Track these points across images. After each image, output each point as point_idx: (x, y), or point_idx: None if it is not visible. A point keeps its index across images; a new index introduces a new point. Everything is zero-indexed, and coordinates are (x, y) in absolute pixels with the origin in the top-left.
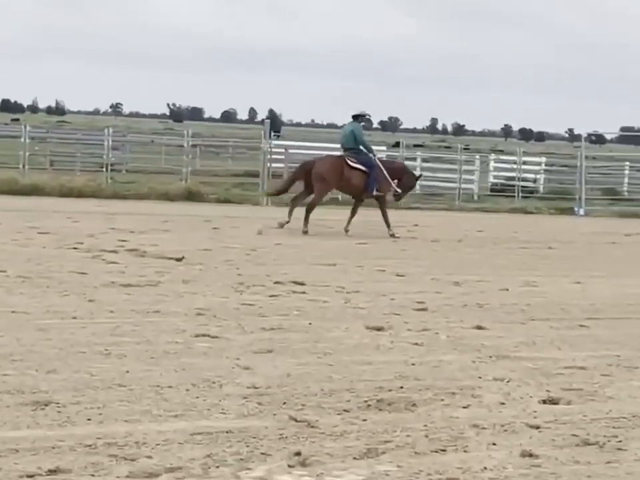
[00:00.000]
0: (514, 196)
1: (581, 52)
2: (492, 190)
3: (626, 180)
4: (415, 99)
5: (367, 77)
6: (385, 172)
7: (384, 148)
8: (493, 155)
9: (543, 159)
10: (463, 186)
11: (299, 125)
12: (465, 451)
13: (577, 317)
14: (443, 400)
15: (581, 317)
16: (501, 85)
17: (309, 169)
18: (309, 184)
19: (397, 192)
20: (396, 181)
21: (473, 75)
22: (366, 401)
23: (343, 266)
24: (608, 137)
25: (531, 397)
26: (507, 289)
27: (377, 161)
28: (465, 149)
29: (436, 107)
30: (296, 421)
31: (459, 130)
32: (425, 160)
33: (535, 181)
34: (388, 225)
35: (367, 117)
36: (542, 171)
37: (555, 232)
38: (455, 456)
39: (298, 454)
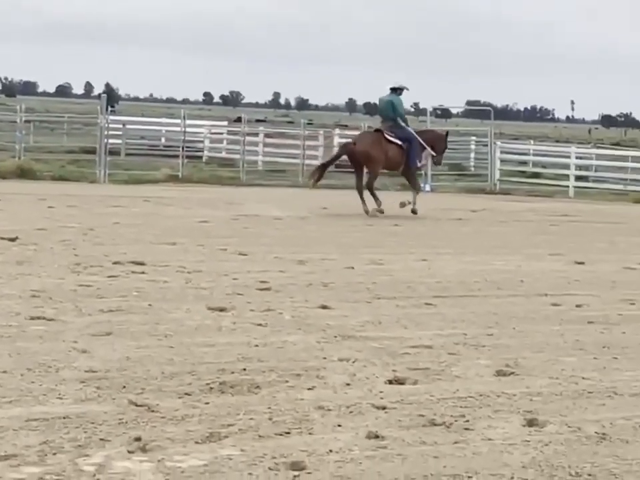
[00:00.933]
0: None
1: (425, 26)
2: (336, 166)
3: (472, 155)
4: (257, 72)
5: (207, 51)
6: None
7: (225, 123)
8: (337, 129)
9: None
10: (307, 162)
11: (136, 99)
12: (309, 434)
13: (424, 295)
14: (287, 382)
15: (427, 295)
16: (345, 59)
17: (351, 150)
18: (358, 165)
19: (435, 156)
20: (429, 148)
21: (317, 48)
22: (208, 384)
23: (184, 245)
24: (454, 111)
25: (377, 377)
26: (353, 267)
27: (414, 133)
28: (308, 123)
29: (279, 81)
30: (136, 405)
31: (303, 104)
32: (267, 135)
33: None
34: (414, 199)
35: (406, 89)
36: None
37: (401, 209)
38: (299, 439)
39: (138, 439)
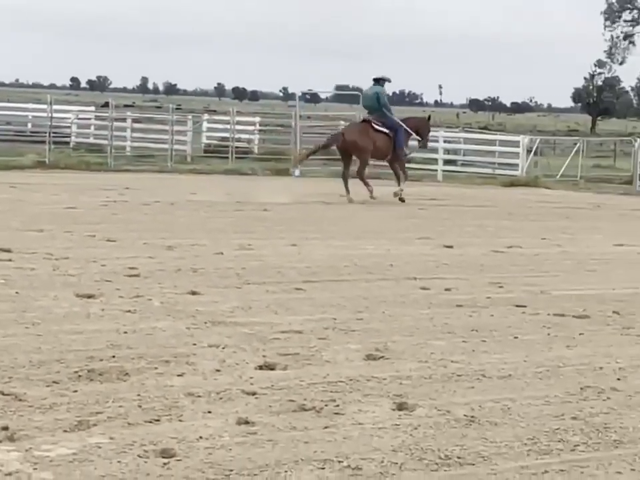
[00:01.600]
0: (228, 157)
1: (292, 8)
2: (205, 151)
3: None
4: (124, 56)
5: (72, 33)
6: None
7: (92, 108)
8: (205, 115)
9: (257, 119)
10: (176, 147)
11: (2, 85)
12: (179, 420)
13: (293, 280)
14: (156, 368)
15: (297, 280)
16: (213, 43)
17: (340, 140)
18: (346, 154)
19: (420, 140)
20: (414, 134)
21: (185, 32)
22: (76, 372)
23: (51, 232)
24: (323, 95)
25: (247, 362)
26: (222, 253)
27: (399, 121)
28: (176, 109)
29: (147, 66)
30: (3, 394)
31: (171, 89)
32: (135, 120)
33: (249, 141)
34: (402, 183)
35: (388, 81)
36: (256, 131)
37: (271, 193)
38: (169, 425)
39: (5, 428)
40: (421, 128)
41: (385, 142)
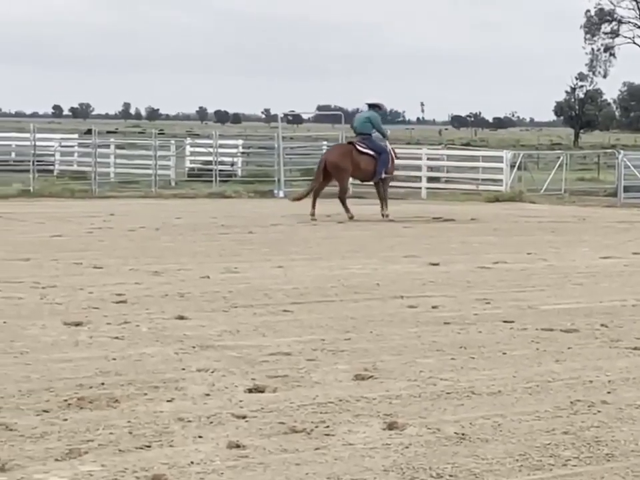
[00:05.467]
0: (212, 180)
1: (269, 33)
2: (189, 175)
3: None
4: (106, 83)
5: (52, 61)
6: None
7: (75, 136)
8: (188, 139)
9: (240, 142)
10: (159, 172)
11: None
12: (170, 446)
13: (281, 302)
14: (146, 394)
15: (284, 302)
16: (194, 68)
17: (324, 160)
18: (327, 175)
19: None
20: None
21: (162, 55)
22: (66, 400)
23: (38, 260)
24: (305, 116)
25: (236, 386)
26: (208, 277)
27: (389, 146)
28: (159, 133)
29: (128, 92)
30: None
31: (154, 114)
32: (118, 147)
33: (232, 164)
34: (385, 206)
35: (380, 108)
36: (239, 154)
37: (255, 216)
38: (160, 451)
39: None
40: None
41: (370, 163)
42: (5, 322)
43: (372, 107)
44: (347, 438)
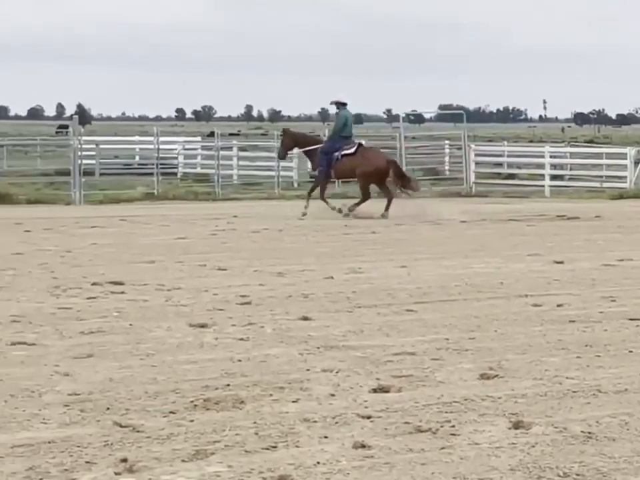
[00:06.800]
0: (335, 181)
1: (392, 31)
2: (312, 176)
3: (446, 159)
4: (228, 86)
5: (174, 64)
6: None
7: (198, 138)
8: None
9: (362, 141)
10: (282, 173)
11: (109, 118)
12: (296, 446)
13: (404, 302)
14: (271, 395)
15: (408, 301)
16: (313, 69)
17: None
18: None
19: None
20: None
21: (279, 58)
22: (192, 401)
23: (162, 263)
24: (427, 115)
25: (361, 386)
26: (332, 277)
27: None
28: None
29: (251, 94)
30: (121, 426)
31: (276, 116)
32: (241, 149)
33: None
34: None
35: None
36: None
37: (378, 215)
38: (286, 452)
39: (124, 460)
40: None
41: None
42: (130, 324)
43: (342, 105)
44: (472, 437)
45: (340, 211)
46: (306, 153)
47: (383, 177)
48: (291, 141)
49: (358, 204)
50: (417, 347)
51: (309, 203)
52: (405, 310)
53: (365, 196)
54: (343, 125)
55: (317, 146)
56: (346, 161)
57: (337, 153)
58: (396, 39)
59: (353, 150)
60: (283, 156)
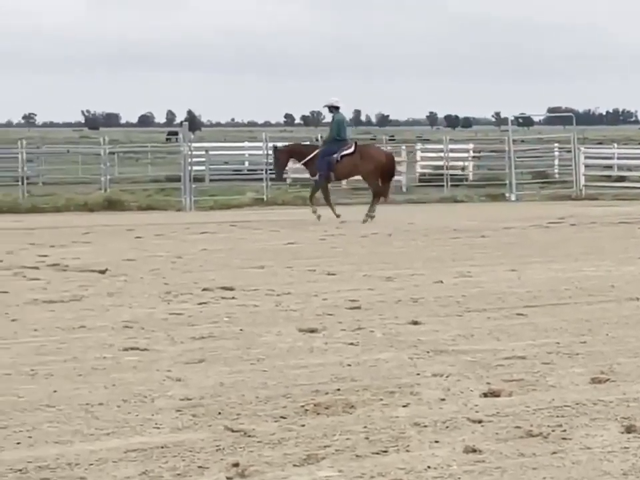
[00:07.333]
0: (443, 185)
1: (499, 34)
2: (420, 180)
3: (556, 162)
4: (335, 90)
5: (284, 71)
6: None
7: (307, 143)
8: (419, 144)
9: (471, 146)
10: None
11: (218, 125)
12: (407, 451)
13: (514, 306)
14: (381, 400)
15: (518, 305)
16: (420, 72)
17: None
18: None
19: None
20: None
21: (385, 62)
22: (303, 406)
23: (272, 268)
24: (535, 118)
25: (471, 390)
26: (441, 281)
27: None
28: (390, 139)
29: (359, 98)
30: (232, 430)
31: (384, 120)
32: None
33: (463, 168)
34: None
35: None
36: (470, 158)
37: (487, 219)
38: (397, 456)
39: (236, 465)
40: None
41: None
42: (241, 329)
43: (335, 109)
44: (584, 442)
45: (319, 217)
46: (304, 163)
47: (385, 171)
48: (285, 157)
49: (373, 204)
50: (527, 351)
51: (316, 207)
52: (515, 314)
53: (377, 193)
54: (338, 129)
55: (314, 154)
56: (346, 161)
57: (335, 155)
58: (503, 42)
59: (351, 150)
60: (280, 177)
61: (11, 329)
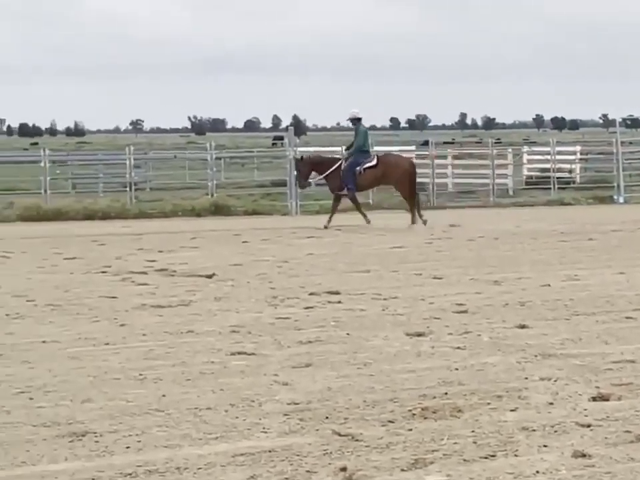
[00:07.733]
0: (550, 188)
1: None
2: (527, 183)
3: None
4: (442, 94)
5: (388, 75)
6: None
7: (413, 147)
8: (525, 147)
9: (578, 148)
10: (497, 181)
11: (324, 129)
12: (515, 455)
13: (623, 309)
14: (489, 404)
15: (627, 308)
16: (524, 75)
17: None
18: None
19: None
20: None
21: (495, 66)
22: (410, 410)
23: (378, 272)
24: None
25: (580, 394)
26: (549, 285)
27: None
28: (496, 142)
29: (464, 102)
30: (339, 435)
31: (490, 123)
32: (455, 157)
33: (570, 171)
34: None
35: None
36: (577, 160)
37: (595, 222)
38: (505, 461)
39: (344, 469)
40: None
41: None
42: (348, 334)
43: (358, 120)
44: None
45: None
46: (325, 176)
47: (412, 177)
48: (307, 169)
49: (413, 211)
50: (636, 355)
51: (367, 216)
52: (624, 317)
53: (412, 199)
54: (364, 140)
55: (335, 167)
56: (369, 173)
57: (358, 167)
58: (610, 43)
59: (374, 162)
60: (303, 185)
61: (120, 334)
